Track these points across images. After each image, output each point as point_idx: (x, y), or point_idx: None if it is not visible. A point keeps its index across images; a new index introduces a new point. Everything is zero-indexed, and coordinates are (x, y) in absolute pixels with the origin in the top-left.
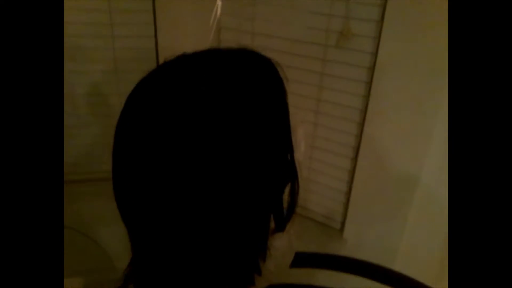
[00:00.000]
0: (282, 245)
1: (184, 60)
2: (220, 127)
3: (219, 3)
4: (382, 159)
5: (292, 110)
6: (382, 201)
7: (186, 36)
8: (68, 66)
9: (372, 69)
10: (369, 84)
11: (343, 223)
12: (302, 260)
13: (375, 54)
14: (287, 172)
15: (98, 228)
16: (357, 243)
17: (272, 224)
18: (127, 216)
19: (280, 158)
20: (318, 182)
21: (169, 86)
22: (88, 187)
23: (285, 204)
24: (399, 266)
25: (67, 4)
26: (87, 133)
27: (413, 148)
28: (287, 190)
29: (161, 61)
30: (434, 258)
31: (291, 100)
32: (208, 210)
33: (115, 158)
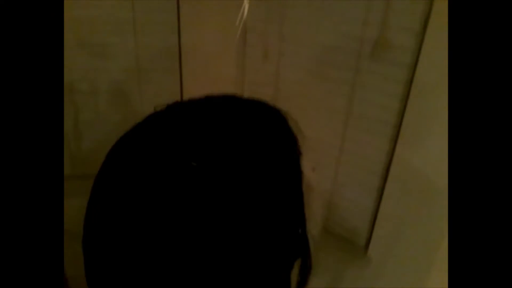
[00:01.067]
0: None
1: (176, 114)
2: (215, 210)
3: (246, 3)
4: (414, 180)
5: (306, 170)
6: (412, 223)
7: (210, 36)
8: (90, 62)
9: (409, 83)
10: (405, 99)
11: (368, 241)
12: None
13: (414, 67)
14: (297, 247)
15: None
16: (381, 263)
17: None
18: None
19: (289, 232)
20: (344, 197)
21: (155, 151)
22: None
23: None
24: None
25: (91, 2)
26: (106, 130)
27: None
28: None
29: (183, 60)
30: None
31: (319, 109)
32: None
33: (87, 231)
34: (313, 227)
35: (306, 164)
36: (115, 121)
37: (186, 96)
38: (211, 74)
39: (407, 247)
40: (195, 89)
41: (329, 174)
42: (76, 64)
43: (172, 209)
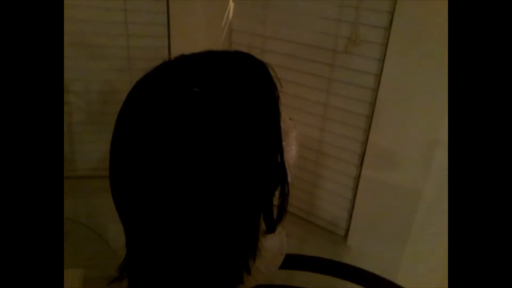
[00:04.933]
0: (273, 247)
1: (182, 61)
2: (212, 128)
3: (231, 5)
4: (386, 167)
5: (285, 116)
6: (386, 209)
7: (198, 37)
8: (84, 63)
9: (379, 75)
10: (376, 91)
11: (347, 230)
12: (293, 262)
13: (383, 60)
14: (277, 174)
15: (107, 224)
16: (360, 250)
17: (264, 225)
18: (122, 211)
19: (270, 159)
20: (324, 187)
21: (166, 87)
22: (99, 183)
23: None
24: (402, 275)
25: (84, 3)
26: (99, 129)
27: (418, 156)
28: (277, 193)
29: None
30: (438, 267)
31: (299, 104)
32: (199, 207)
33: (112, 154)
34: (290, 159)
35: (283, 114)
36: (107, 121)
37: None
38: None
39: (384, 235)
40: None
41: (310, 167)
42: (69, 65)
43: (179, 122)
